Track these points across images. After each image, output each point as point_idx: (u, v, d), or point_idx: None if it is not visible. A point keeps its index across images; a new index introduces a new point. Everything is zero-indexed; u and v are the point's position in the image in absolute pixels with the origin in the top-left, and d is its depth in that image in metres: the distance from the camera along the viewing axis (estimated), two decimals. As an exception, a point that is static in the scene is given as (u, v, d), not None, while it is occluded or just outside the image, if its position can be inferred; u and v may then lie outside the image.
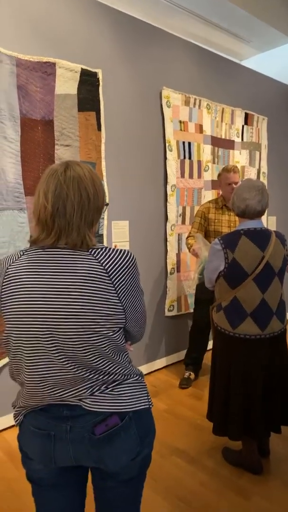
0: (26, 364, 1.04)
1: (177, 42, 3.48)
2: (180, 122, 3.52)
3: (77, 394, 1.04)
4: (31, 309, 1.00)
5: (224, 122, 3.97)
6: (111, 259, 1.02)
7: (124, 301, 1.04)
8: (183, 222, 3.63)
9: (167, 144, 3.42)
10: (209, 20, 3.78)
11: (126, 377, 1.09)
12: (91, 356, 1.02)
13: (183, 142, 3.56)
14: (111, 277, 1.01)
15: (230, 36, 4.13)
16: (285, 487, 2.01)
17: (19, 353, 1.05)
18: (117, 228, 3.12)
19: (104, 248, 1.04)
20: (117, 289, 1.02)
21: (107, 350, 1.03)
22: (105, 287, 1.00)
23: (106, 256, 1.03)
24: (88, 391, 1.04)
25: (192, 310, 3.54)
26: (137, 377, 1.13)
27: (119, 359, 1.08)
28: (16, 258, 1.07)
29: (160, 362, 3.56)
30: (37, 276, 1.01)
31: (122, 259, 1.04)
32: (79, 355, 1.01)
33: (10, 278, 1.04)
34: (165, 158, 3.44)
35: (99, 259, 1.02)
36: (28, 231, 2.55)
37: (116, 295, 1.02)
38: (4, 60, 2.37)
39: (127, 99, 3.12)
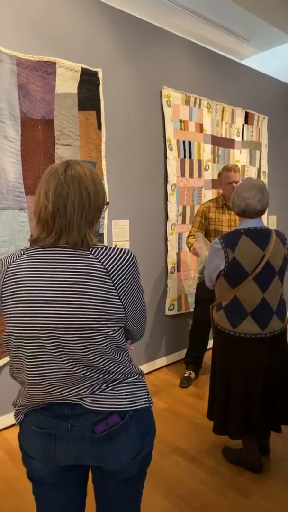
0: (26, 363, 1.04)
1: (178, 41, 3.48)
2: (181, 121, 3.52)
3: (77, 393, 1.04)
4: (31, 308, 1.01)
5: (225, 121, 3.96)
6: (111, 259, 1.03)
7: (125, 300, 1.04)
8: (184, 221, 3.63)
9: (167, 143, 3.42)
10: (209, 19, 3.78)
11: (126, 376, 1.09)
12: (91, 355, 1.02)
13: (184, 141, 3.56)
14: (111, 276, 1.01)
15: (230, 35, 4.13)
16: (285, 485, 2.02)
17: (19, 352, 1.05)
18: (117, 227, 3.12)
19: (104, 248, 1.05)
20: (118, 288, 1.02)
21: (107, 349, 1.04)
22: (106, 286, 1.00)
23: (107, 256, 1.03)
24: (89, 390, 1.04)
25: (192, 309, 3.54)
26: (138, 376, 1.13)
27: (120, 358, 1.08)
28: (17, 257, 1.07)
29: (161, 361, 3.56)
30: (38, 275, 1.02)
31: (122, 258, 1.04)
32: (79, 354, 1.01)
33: (10, 277, 1.04)
34: (166, 157, 3.43)
35: (100, 259, 1.02)
36: (29, 231, 2.56)
37: (116, 294, 1.02)
38: (5, 59, 2.37)
39: (127, 98, 3.12)
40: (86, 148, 2.83)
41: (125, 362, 1.10)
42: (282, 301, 2.03)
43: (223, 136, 3.96)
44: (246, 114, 4.21)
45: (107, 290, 1.01)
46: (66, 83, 2.68)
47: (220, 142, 3.93)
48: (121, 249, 1.06)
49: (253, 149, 4.35)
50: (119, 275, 1.02)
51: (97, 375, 1.05)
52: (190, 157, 3.62)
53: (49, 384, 1.04)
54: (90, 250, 1.03)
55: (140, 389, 1.11)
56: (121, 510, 1.16)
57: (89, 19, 2.82)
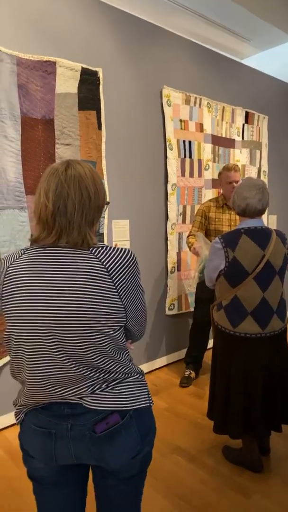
0: (27, 363, 1.04)
1: (178, 40, 3.47)
2: (181, 121, 3.52)
3: (78, 392, 1.04)
4: (32, 308, 1.01)
5: (225, 120, 3.96)
6: (112, 258, 1.03)
7: (125, 300, 1.04)
8: (184, 221, 3.63)
9: (167, 143, 3.42)
10: (209, 18, 3.78)
11: (126, 375, 1.09)
12: (92, 354, 1.02)
13: (184, 141, 3.56)
14: (111, 276, 1.01)
15: (230, 35, 4.13)
16: (285, 485, 2.02)
17: (20, 351, 1.05)
18: (117, 227, 3.12)
19: (104, 247, 1.05)
20: (118, 287, 1.02)
21: (108, 349, 1.04)
22: (106, 285, 1.01)
23: (107, 255, 1.03)
24: (89, 390, 1.04)
25: (192, 309, 3.54)
26: (138, 375, 1.13)
27: (120, 358, 1.08)
28: (17, 257, 1.07)
29: (161, 361, 3.56)
30: (38, 275, 1.02)
31: (122, 258, 1.04)
32: (80, 353, 1.02)
33: (11, 277, 1.04)
34: (166, 157, 3.43)
35: (100, 258, 1.02)
36: (29, 230, 2.56)
37: (117, 293, 1.02)
38: (5, 59, 2.37)
39: (127, 98, 3.12)
40: (86, 147, 2.83)
41: (125, 361, 1.10)
42: (282, 300, 2.03)
43: (223, 135, 3.96)
44: (246, 113, 4.21)
45: (108, 289, 1.01)
46: (66, 83, 2.68)
47: (220, 142, 3.93)
48: (122, 248, 1.06)
49: (253, 149, 4.35)
50: (119, 274, 1.02)
51: (97, 374, 1.05)
52: (190, 156, 3.62)
53: (49, 384, 1.04)
54: (91, 249, 1.03)
55: (140, 388, 1.11)
56: (122, 509, 1.16)
57: (89, 18, 2.82)
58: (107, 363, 1.05)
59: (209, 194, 3.82)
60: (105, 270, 1.01)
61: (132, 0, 3.37)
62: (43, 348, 1.02)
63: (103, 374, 1.05)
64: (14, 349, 1.07)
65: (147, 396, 1.12)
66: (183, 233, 3.61)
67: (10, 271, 1.05)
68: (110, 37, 2.96)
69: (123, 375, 1.08)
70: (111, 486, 1.13)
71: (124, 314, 1.06)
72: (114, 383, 1.07)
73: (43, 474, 1.12)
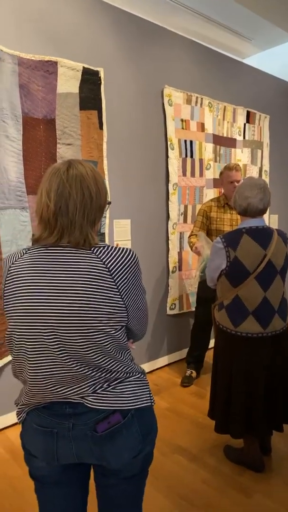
0: (28, 362, 1.05)
1: (179, 40, 3.47)
2: (182, 120, 3.52)
3: (79, 392, 1.05)
4: (33, 307, 1.01)
5: (226, 120, 3.96)
6: (113, 258, 1.03)
7: (126, 299, 1.04)
8: (185, 220, 3.63)
9: (169, 143, 3.42)
10: (211, 18, 3.77)
11: (128, 375, 1.09)
12: (93, 354, 1.02)
13: (185, 141, 3.56)
14: (113, 275, 1.01)
15: (232, 34, 4.12)
16: (286, 485, 2.02)
17: (22, 351, 1.05)
18: (119, 226, 3.12)
19: (106, 247, 1.05)
20: (119, 287, 1.02)
21: (109, 348, 1.04)
22: (107, 285, 1.01)
23: (108, 255, 1.03)
24: (91, 389, 1.04)
25: (193, 309, 3.54)
26: (139, 375, 1.13)
27: (121, 357, 1.08)
28: (19, 256, 1.07)
29: (162, 361, 3.56)
30: (40, 275, 1.02)
31: (124, 258, 1.04)
32: (81, 353, 1.02)
33: (13, 277, 1.04)
34: (167, 156, 3.43)
35: (101, 258, 1.02)
36: (30, 230, 2.56)
37: (118, 293, 1.02)
38: (6, 59, 2.37)
39: (129, 97, 3.12)
40: (87, 147, 2.83)
41: (126, 361, 1.10)
42: (283, 300, 2.03)
43: (225, 135, 3.96)
44: (248, 113, 4.20)
45: (109, 289, 1.01)
46: (68, 83, 2.68)
47: (222, 141, 3.93)
48: (123, 248, 1.06)
49: (255, 148, 4.35)
50: (121, 274, 1.02)
51: (99, 374, 1.05)
52: (191, 156, 3.62)
53: (51, 383, 1.04)
54: (92, 249, 1.03)
55: (141, 388, 1.11)
56: (123, 508, 1.16)
57: (90, 18, 2.82)
58: (108, 362, 1.05)
59: (210, 193, 3.82)
60: (107, 269, 1.01)
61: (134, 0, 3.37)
62: (44, 347, 1.02)
63: (104, 374, 1.05)
64: (16, 348, 1.07)
65: (148, 395, 1.12)
66: (184, 232, 3.61)
67: (12, 271, 1.05)
68: (112, 37, 2.96)
69: (125, 374, 1.09)
70: (112, 486, 1.13)
71: (126, 314, 1.06)
72: (115, 382, 1.07)
73: (44, 473, 1.12)
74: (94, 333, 1.01)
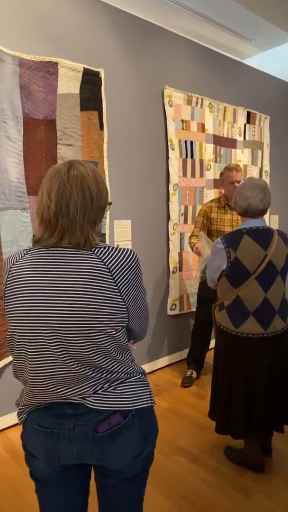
0: (29, 363, 1.05)
1: (179, 41, 3.48)
2: (182, 121, 3.52)
3: (80, 392, 1.05)
4: (34, 308, 1.01)
5: (226, 121, 3.96)
6: (114, 258, 1.03)
7: (127, 300, 1.05)
8: (185, 221, 3.63)
9: (169, 143, 3.42)
10: (211, 18, 3.77)
11: (128, 375, 1.09)
12: (94, 354, 1.02)
13: (185, 141, 3.56)
14: (114, 276, 1.02)
15: (232, 35, 4.12)
16: (287, 485, 2.02)
17: (22, 352, 1.05)
18: (119, 227, 3.12)
19: (107, 247, 1.05)
20: (120, 288, 1.02)
21: (110, 349, 1.04)
22: (108, 286, 1.01)
23: (109, 255, 1.03)
24: (91, 390, 1.04)
25: (194, 309, 3.54)
26: (140, 375, 1.13)
27: (122, 358, 1.08)
28: (20, 257, 1.07)
29: (163, 361, 3.56)
30: (41, 275, 1.02)
31: (125, 258, 1.04)
32: (82, 353, 1.02)
33: (13, 277, 1.04)
34: (167, 157, 3.44)
35: (102, 258, 1.02)
36: (31, 231, 2.56)
37: (119, 294, 1.02)
38: (7, 60, 2.37)
39: (129, 98, 3.12)
40: (88, 148, 2.84)
41: (127, 361, 1.10)
42: (284, 301, 2.03)
43: (225, 135, 3.96)
44: (248, 113, 4.21)
45: (110, 289, 1.01)
46: (68, 83, 2.69)
47: (222, 142, 3.93)
48: (124, 249, 1.06)
49: (255, 149, 4.35)
50: (121, 274, 1.03)
51: (100, 374, 1.05)
52: (192, 157, 3.62)
53: (51, 384, 1.04)
54: (93, 250, 1.03)
55: (142, 388, 1.11)
56: (124, 509, 1.16)
57: (91, 19, 2.82)
58: (109, 363, 1.05)
59: (210, 194, 3.82)
60: (107, 270, 1.01)
61: (133, 0, 3.37)
62: (45, 348, 1.02)
63: (105, 374, 1.05)
64: (16, 349, 1.07)
65: (149, 396, 1.12)
66: (184, 233, 3.61)
67: (12, 272, 1.05)
68: (112, 37, 2.97)
69: (125, 375, 1.09)
70: (113, 486, 1.13)
71: (127, 314, 1.06)
72: (116, 383, 1.07)
73: (45, 474, 1.12)
74: (95, 333, 1.01)
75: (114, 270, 1.02)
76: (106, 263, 1.02)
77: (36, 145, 2.57)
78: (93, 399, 1.04)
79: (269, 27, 3.99)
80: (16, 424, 2.58)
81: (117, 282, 1.02)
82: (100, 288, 1.00)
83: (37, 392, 1.06)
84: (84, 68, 2.75)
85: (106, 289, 1.00)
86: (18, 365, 1.10)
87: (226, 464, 2.19)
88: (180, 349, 3.70)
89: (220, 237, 2.01)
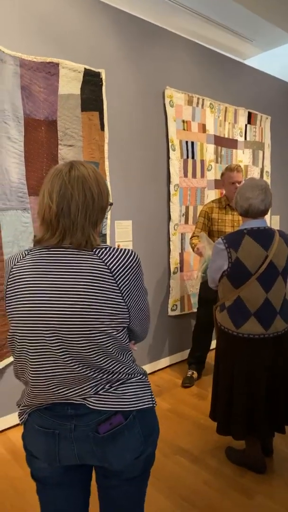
0: (30, 364, 1.05)
1: (180, 41, 3.48)
2: (183, 121, 3.52)
3: (81, 393, 1.05)
4: (35, 309, 1.01)
5: (227, 121, 3.96)
6: (115, 259, 1.03)
7: (128, 301, 1.04)
8: (186, 221, 3.63)
9: (170, 144, 3.42)
10: (211, 19, 3.77)
11: (130, 376, 1.09)
12: (95, 355, 1.02)
13: (186, 142, 3.56)
14: (115, 276, 1.02)
15: (233, 35, 4.12)
16: (288, 486, 2.02)
17: (24, 352, 1.05)
18: (120, 227, 3.13)
19: (108, 248, 1.05)
20: (121, 288, 1.02)
21: (111, 350, 1.04)
22: (109, 286, 1.01)
23: (110, 256, 1.03)
24: (93, 390, 1.04)
25: (195, 310, 3.54)
26: (141, 376, 1.13)
27: (123, 358, 1.08)
28: (21, 257, 1.07)
29: (164, 362, 3.56)
30: (42, 276, 1.02)
31: (126, 259, 1.04)
32: (83, 354, 1.02)
33: (14, 278, 1.04)
34: (168, 157, 3.44)
35: (103, 259, 1.02)
36: (32, 231, 2.56)
37: (120, 294, 1.02)
38: (8, 60, 2.38)
39: (130, 99, 3.13)
40: (89, 148, 2.84)
41: (128, 362, 1.10)
42: (285, 301, 2.03)
43: (226, 136, 3.96)
44: (249, 114, 4.21)
45: (111, 290, 1.01)
46: (69, 84, 2.69)
47: (223, 142, 3.93)
48: (125, 249, 1.06)
49: (256, 149, 4.35)
50: (122, 275, 1.03)
51: (101, 375, 1.05)
52: (193, 157, 3.62)
53: (52, 384, 1.04)
54: (94, 250, 1.04)
55: (143, 389, 1.11)
56: (125, 509, 1.16)
57: (92, 20, 2.82)
58: (110, 364, 1.05)
59: (211, 194, 3.82)
60: (109, 271, 1.01)
61: (134, 0, 3.37)
62: (46, 349, 1.02)
63: (106, 375, 1.05)
64: (17, 350, 1.07)
65: (150, 396, 1.12)
66: (185, 233, 3.61)
67: (14, 272, 1.05)
68: (113, 38, 2.97)
69: (126, 375, 1.09)
70: (114, 487, 1.13)
71: (128, 315, 1.06)
72: (117, 383, 1.07)
73: (46, 474, 1.12)
74: (96, 334, 1.01)
75: (115, 271, 1.02)
76: (107, 264, 1.02)
77: (37, 145, 2.57)
78: (94, 399, 1.04)
79: (269, 28, 3.99)
80: (17, 425, 2.58)
81: (118, 283, 1.02)
82: (101, 289, 1.00)
83: (38, 393, 1.06)
84: (85, 68, 2.75)
85: (107, 290, 1.00)
86: (19, 366, 1.10)
87: (227, 464, 2.19)
88: (181, 349, 3.70)
89: (221, 238, 2.01)
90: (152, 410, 1.14)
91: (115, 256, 1.03)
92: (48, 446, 1.07)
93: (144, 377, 1.14)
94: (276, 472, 2.12)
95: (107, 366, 1.05)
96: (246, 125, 4.18)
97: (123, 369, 1.07)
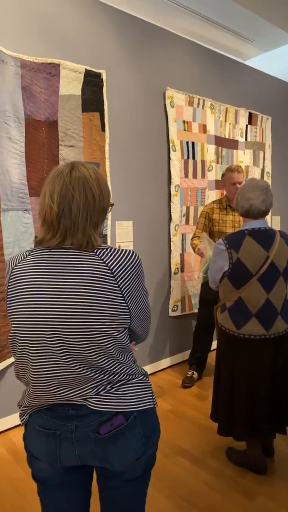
0: (31, 364, 1.05)
1: (181, 42, 3.48)
2: (184, 122, 3.52)
3: (82, 393, 1.05)
4: (36, 310, 1.01)
5: (228, 122, 3.96)
6: (116, 260, 1.03)
7: (129, 301, 1.04)
8: (187, 222, 3.63)
9: (170, 144, 3.42)
10: (212, 19, 3.78)
11: (131, 377, 1.09)
12: (96, 356, 1.02)
13: (187, 142, 3.56)
14: (116, 277, 1.02)
15: (233, 36, 4.13)
16: (289, 487, 2.01)
17: (25, 353, 1.06)
18: (121, 228, 3.13)
19: (109, 249, 1.05)
20: (122, 289, 1.02)
21: (112, 350, 1.04)
22: (110, 287, 1.01)
23: (111, 257, 1.03)
24: (94, 391, 1.04)
25: (196, 310, 3.54)
26: (142, 377, 1.13)
27: (124, 359, 1.08)
28: (22, 258, 1.07)
29: (165, 362, 3.56)
30: (43, 277, 1.02)
31: (127, 260, 1.04)
32: (84, 355, 1.02)
33: (16, 279, 1.05)
34: (169, 158, 3.44)
35: (104, 260, 1.02)
36: (33, 232, 2.57)
37: (121, 295, 1.02)
38: (9, 61, 2.38)
39: (130, 99, 3.13)
40: (89, 149, 2.84)
41: (129, 363, 1.10)
42: (286, 302, 2.03)
43: (227, 136, 3.96)
44: (250, 114, 4.20)
45: (112, 291, 1.01)
46: (70, 85, 2.69)
47: (224, 143, 3.93)
48: (126, 250, 1.06)
49: (257, 150, 4.35)
50: (123, 276, 1.03)
51: (102, 376, 1.05)
52: (193, 158, 3.62)
53: (53, 385, 1.04)
54: (95, 251, 1.04)
55: (144, 390, 1.11)
56: (126, 510, 1.16)
57: (92, 20, 2.83)
58: (111, 364, 1.05)
59: (212, 195, 3.82)
60: (110, 271, 1.01)
61: (134, 1, 3.38)
62: (48, 349, 1.02)
63: (107, 376, 1.05)
64: (19, 350, 1.07)
65: (151, 397, 1.12)
66: (186, 234, 3.61)
67: (15, 273, 1.05)
68: (114, 39, 2.97)
69: (127, 376, 1.09)
70: (115, 488, 1.13)
71: (128, 316, 1.06)
72: (118, 384, 1.07)
73: (47, 475, 1.12)
74: (97, 335, 1.01)
75: (116, 272, 1.02)
76: (108, 265, 1.02)
77: (38, 146, 2.57)
78: (95, 400, 1.04)
79: (270, 28, 3.99)
80: (18, 425, 2.58)
81: (119, 283, 1.02)
82: (102, 289, 1.00)
83: (39, 393, 1.06)
84: (85, 69, 2.75)
85: (108, 290, 1.00)
86: (20, 367, 1.10)
87: (227, 465, 2.19)
88: (182, 350, 3.70)
89: (222, 238, 2.01)
90: (153, 410, 1.14)
91: (116, 257, 1.03)
92: (49, 447, 1.07)
93: (145, 377, 1.14)
94: (277, 473, 2.12)
95: (108, 366, 1.05)
96: (246, 126, 4.18)
97: (124, 369, 1.07)
